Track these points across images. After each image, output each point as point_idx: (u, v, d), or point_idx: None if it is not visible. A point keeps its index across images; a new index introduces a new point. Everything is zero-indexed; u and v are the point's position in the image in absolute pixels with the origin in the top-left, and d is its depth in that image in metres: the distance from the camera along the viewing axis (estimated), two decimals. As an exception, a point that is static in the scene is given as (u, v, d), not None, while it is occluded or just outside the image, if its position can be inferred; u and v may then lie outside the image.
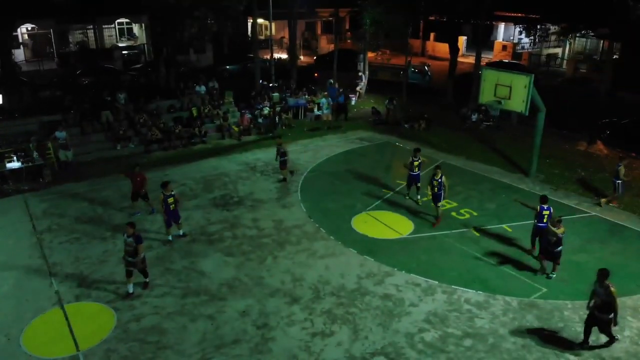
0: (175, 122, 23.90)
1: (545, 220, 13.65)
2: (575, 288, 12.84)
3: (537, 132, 19.37)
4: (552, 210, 13.88)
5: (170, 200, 14.49)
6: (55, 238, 15.11)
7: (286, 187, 18.71)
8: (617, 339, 10.85)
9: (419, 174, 17.27)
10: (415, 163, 17.12)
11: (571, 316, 11.78)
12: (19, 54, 36.01)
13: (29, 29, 38.03)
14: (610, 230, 15.82)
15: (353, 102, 30.72)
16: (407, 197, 17.79)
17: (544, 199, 14.07)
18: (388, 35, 31.05)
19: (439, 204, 16.07)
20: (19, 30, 36.70)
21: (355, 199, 17.67)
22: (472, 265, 13.82)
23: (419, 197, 17.46)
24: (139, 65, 35.93)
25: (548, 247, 13.02)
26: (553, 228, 12.78)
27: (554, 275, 13.20)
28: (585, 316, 10.86)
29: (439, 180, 15.69)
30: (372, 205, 17.26)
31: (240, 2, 27.61)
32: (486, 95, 19.40)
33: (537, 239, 13.97)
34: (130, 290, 12.35)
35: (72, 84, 29.44)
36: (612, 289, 10.13)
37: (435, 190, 15.87)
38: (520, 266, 13.74)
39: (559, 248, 12.94)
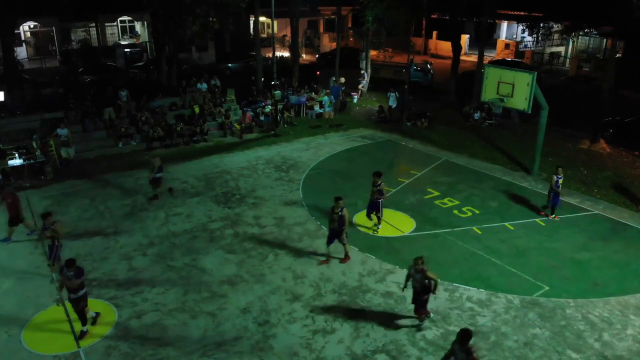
0: (177, 119, 23.88)
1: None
2: (578, 286, 12.80)
3: (539, 130, 19.30)
4: (559, 178, 15.88)
5: (47, 233, 12.51)
6: (56, 235, 15.09)
7: (289, 185, 18.66)
8: None
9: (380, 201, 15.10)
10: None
11: (573, 314, 11.72)
12: (22, 52, 36.06)
13: (32, 26, 38.07)
14: (613, 229, 15.77)
15: (355, 100, 30.70)
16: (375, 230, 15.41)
17: (557, 167, 16.28)
18: (391, 34, 30.99)
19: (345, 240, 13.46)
20: (21, 28, 36.75)
21: (357, 197, 17.59)
22: (474, 263, 13.77)
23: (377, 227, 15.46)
24: (141, 63, 35.92)
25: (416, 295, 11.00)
26: (419, 274, 10.63)
27: (423, 326, 11.28)
28: None
29: (340, 212, 13.03)
30: (374, 203, 17.20)
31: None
32: (489, 93, 19.34)
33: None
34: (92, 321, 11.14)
35: (74, 82, 29.44)
36: (475, 355, 8.58)
37: (336, 226, 13.21)
38: (522, 264, 13.69)
39: (426, 296, 10.91)
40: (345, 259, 13.73)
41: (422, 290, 10.82)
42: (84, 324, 10.95)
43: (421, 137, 24.12)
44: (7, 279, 12.93)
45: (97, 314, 11.35)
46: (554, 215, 16.29)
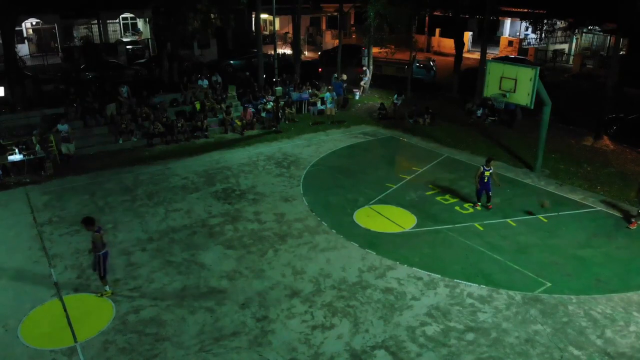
0: (178, 116, 23.81)
1: (486, 180, 15.99)
2: (581, 283, 12.67)
3: (542, 126, 19.15)
4: (492, 170, 16.02)
5: None
6: (55, 230, 15.04)
7: (289, 181, 18.55)
8: None
9: None
10: None
11: (576, 311, 11.59)
12: (24, 49, 36.03)
13: (34, 23, 38.05)
14: (616, 225, 15.61)
15: (357, 97, 30.58)
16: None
17: (487, 160, 16.22)
18: (393, 30, 30.87)
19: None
20: (23, 25, 36.73)
21: (357, 193, 17.51)
22: (476, 259, 13.64)
23: None
24: (143, 60, 35.88)
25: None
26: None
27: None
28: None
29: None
30: (375, 199, 17.10)
31: (243, -4, 27.53)
32: (491, 88, 19.20)
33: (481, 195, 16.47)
34: None
35: (75, 78, 29.39)
36: None
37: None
38: (524, 260, 13.56)
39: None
40: None
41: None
42: None
43: (423, 134, 23.99)
44: (4, 273, 12.87)
45: None
46: (479, 204, 16.47)
